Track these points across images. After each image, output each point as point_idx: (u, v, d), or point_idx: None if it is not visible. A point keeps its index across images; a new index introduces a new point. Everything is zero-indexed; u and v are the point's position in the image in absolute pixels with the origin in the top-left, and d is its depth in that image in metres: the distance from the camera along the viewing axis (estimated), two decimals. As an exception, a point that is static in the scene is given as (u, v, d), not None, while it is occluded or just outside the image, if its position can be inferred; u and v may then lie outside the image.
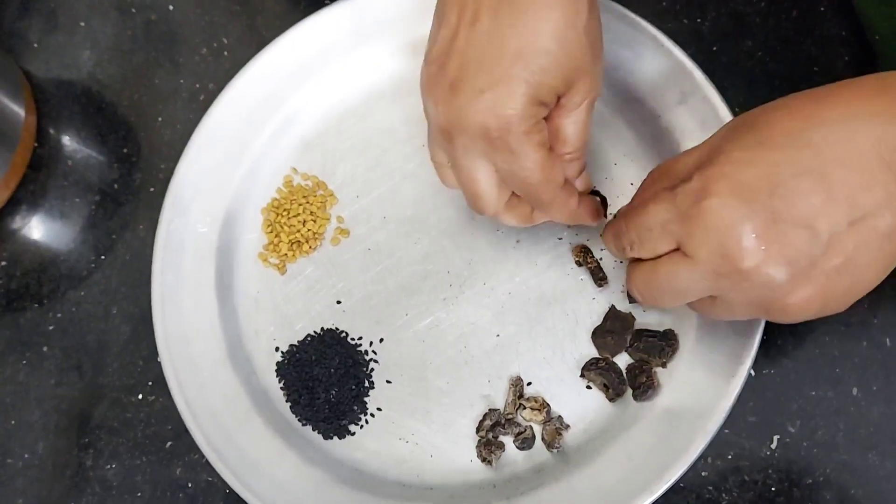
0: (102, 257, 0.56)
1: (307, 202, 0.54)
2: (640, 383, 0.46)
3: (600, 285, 0.49)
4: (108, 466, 0.52)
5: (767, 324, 0.44)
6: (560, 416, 0.48)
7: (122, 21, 0.61)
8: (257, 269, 0.53)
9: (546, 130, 0.41)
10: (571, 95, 0.40)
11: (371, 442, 0.49)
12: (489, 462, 0.47)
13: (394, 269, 0.52)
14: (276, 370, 0.51)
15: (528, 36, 0.38)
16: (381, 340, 0.51)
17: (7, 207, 0.58)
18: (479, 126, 0.39)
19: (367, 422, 0.50)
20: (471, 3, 0.39)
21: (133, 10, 0.62)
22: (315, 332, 0.51)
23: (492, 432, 0.48)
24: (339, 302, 0.52)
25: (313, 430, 0.50)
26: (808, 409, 0.47)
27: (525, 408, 0.48)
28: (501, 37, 0.38)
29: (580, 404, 0.48)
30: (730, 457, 0.47)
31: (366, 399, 0.50)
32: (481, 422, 0.48)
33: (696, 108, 0.48)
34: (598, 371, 0.47)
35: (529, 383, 0.49)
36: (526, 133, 0.39)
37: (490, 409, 0.48)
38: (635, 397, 0.47)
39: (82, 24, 0.62)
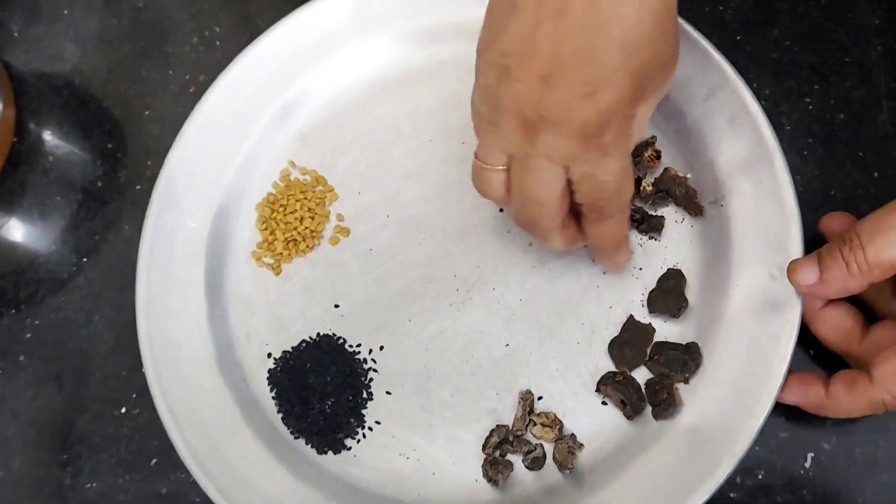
0: (84, 260, 0.55)
1: (305, 198, 0.52)
2: (661, 400, 0.44)
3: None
4: (89, 485, 0.51)
5: (800, 334, 0.43)
6: (573, 434, 0.46)
7: (108, 9, 0.60)
8: (250, 269, 0.52)
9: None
10: (655, 87, 0.40)
11: (368, 457, 0.48)
12: (496, 482, 0.45)
13: (396, 271, 0.50)
14: (267, 378, 0.50)
15: (632, 25, 0.37)
16: (382, 348, 0.49)
17: (-17, 206, 0.57)
18: (578, 122, 0.38)
19: (364, 436, 0.48)
20: None
21: None
22: (311, 337, 0.50)
23: (499, 450, 0.46)
24: (336, 306, 0.50)
25: (306, 443, 0.48)
26: (845, 425, 0.46)
27: (535, 424, 0.46)
28: (603, 27, 0.37)
29: (595, 421, 0.46)
30: (760, 476, 0.46)
31: (363, 411, 0.48)
32: (488, 438, 0.46)
33: (725, 103, 0.46)
34: (614, 386, 0.45)
35: (540, 397, 0.47)
36: (624, 133, 0.39)
37: (497, 425, 0.46)
38: (655, 415, 0.45)
39: (65, 12, 0.61)
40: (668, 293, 0.46)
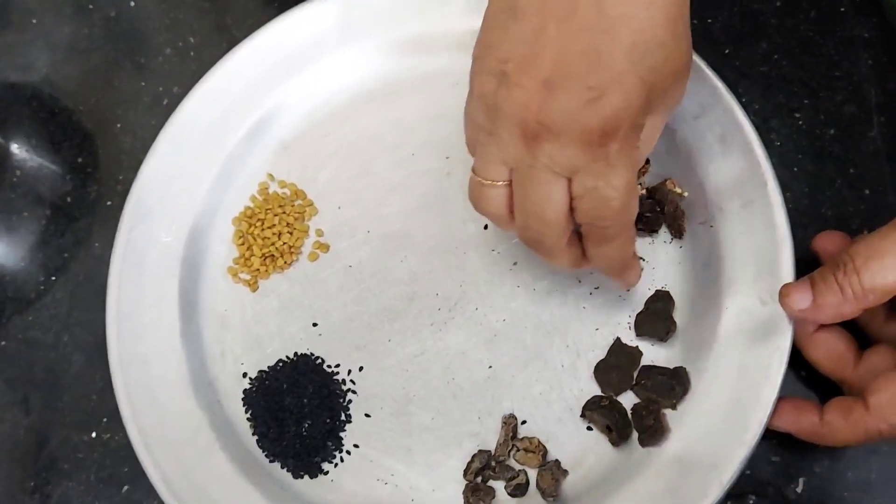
0: (53, 278, 0.54)
1: (283, 212, 0.51)
2: (647, 426, 0.44)
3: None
4: None
5: (790, 359, 0.42)
6: (557, 461, 0.45)
7: (79, 18, 0.59)
8: (226, 285, 0.51)
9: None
10: (666, 97, 0.38)
11: (346, 482, 0.47)
12: None
13: (377, 289, 0.49)
14: (242, 398, 0.49)
15: (643, 27, 0.35)
16: (361, 369, 0.48)
17: (-54, 223, 0.56)
18: (581, 128, 0.36)
19: (342, 459, 0.47)
20: None
21: (91, 7, 0.60)
22: (287, 356, 0.49)
23: (480, 476, 0.45)
24: (315, 324, 0.49)
25: (282, 467, 0.47)
26: (837, 449, 0.45)
27: (518, 450, 0.45)
28: (610, 29, 0.35)
29: (580, 447, 0.45)
30: (751, 501, 0.45)
31: (341, 434, 0.47)
32: (469, 464, 0.45)
33: (716, 122, 0.46)
34: (600, 411, 0.45)
35: (524, 422, 0.46)
36: (631, 144, 0.37)
37: (479, 450, 0.46)
38: (641, 442, 0.44)
39: (34, 21, 0.60)
40: (656, 316, 0.45)
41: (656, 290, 0.46)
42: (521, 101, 0.36)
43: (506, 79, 0.37)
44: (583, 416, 0.45)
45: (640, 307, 0.46)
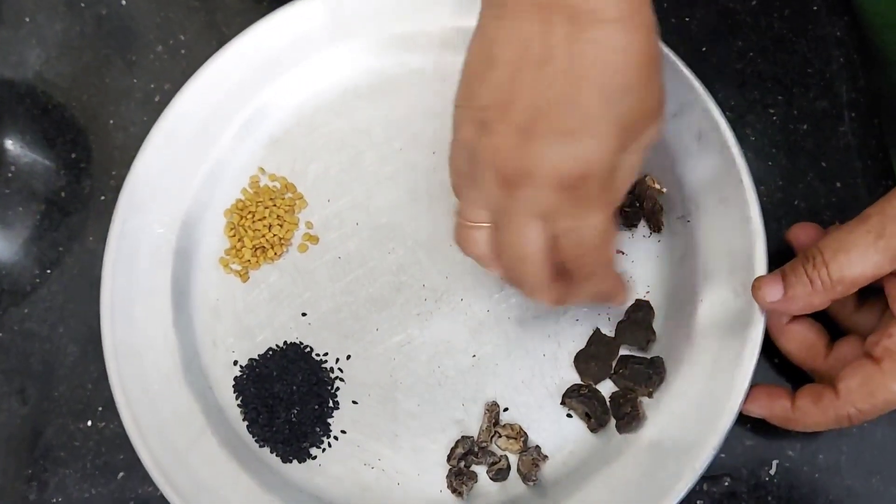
0: (48, 271, 0.54)
1: (274, 205, 0.51)
2: (625, 413, 0.44)
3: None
4: (55, 500, 0.50)
5: (763, 348, 0.43)
6: (538, 446, 0.45)
7: (71, 16, 0.59)
8: (218, 276, 0.51)
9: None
10: (640, 137, 0.38)
11: (333, 467, 0.47)
12: (460, 493, 0.45)
13: (365, 280, 0.50)
14: (233, 385, 0.49)
15: (613, 72, 0.35)
16: (349, 357, 0.49)
17: (-59, 218, 0.56)
18: (558, 173, 0.36)
19: (329, 445, 0.47)
20: (536, 43, 0.36)
21: (82, 5, 0.59)
22: (277, 345, 0.49)
23: (464, 461, 0.46)
24: (304, 314, 0.50)
25: (271, 451, 0.48)
26: (809, 432, 0.45)
27: (500, 435, 0.46)
28: (584, 76, 0.35)
29: (560, 434, 0.46)
30: (726, 483, 0.46)
31: (329, 420, 0.48)
32: (453, 449, 0.46)
33: (693, 120, 0.46)
34: (579, 399, 0.45)
35: (506, 409, 0.47)
36: (606, 185, 0.37)
37: (463, 436, 0.46)
38: (619, 428, 0.44)
39: (27, 19, 0.59)
40: (637, 325, 0.46)
41: (637, 300, 0.46)
42: (498, 148, 0.37)
43: (484, 126, 0.37)
44: (563, 403, 0.46)
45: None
